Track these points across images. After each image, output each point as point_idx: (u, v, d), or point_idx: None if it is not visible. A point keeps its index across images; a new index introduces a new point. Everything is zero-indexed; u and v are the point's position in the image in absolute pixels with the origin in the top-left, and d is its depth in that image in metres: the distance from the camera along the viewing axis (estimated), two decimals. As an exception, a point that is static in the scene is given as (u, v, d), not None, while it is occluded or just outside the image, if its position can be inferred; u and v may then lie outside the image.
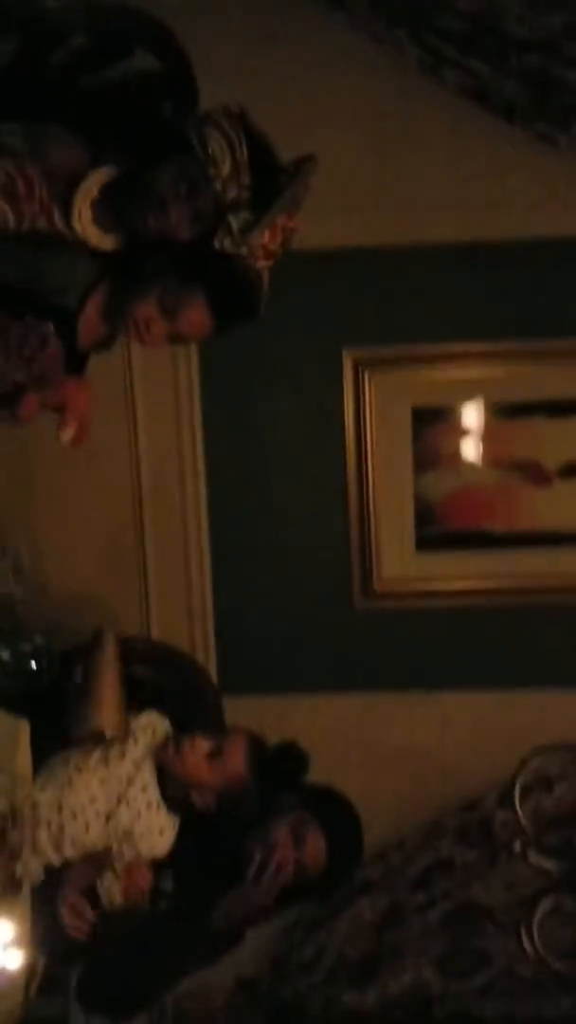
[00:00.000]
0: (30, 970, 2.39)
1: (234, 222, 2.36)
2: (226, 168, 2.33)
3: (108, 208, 2.37)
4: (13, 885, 2.21)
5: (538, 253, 3.75)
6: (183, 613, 3.96)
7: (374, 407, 3.85)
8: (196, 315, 2.45)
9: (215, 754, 2.61)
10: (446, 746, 3.95)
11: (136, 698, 2.88)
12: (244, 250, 2.38)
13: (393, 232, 3.75)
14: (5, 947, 2.11)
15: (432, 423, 3.87)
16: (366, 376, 3.83)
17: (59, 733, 2.69)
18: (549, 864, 1.80)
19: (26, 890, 2.30)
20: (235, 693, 3.45)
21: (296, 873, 2.52)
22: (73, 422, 2.57)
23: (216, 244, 2.37)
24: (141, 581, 3.96)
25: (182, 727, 2.78)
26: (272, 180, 2.39)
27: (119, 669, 2.84)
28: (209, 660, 3.89)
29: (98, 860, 2.52)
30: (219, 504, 3.95)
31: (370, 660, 4.01)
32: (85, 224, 2.35)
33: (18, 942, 2.13)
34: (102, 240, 2.39)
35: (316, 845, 2.52)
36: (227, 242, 2.37)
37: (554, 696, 3.88)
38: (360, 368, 3.83)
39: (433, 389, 3.86)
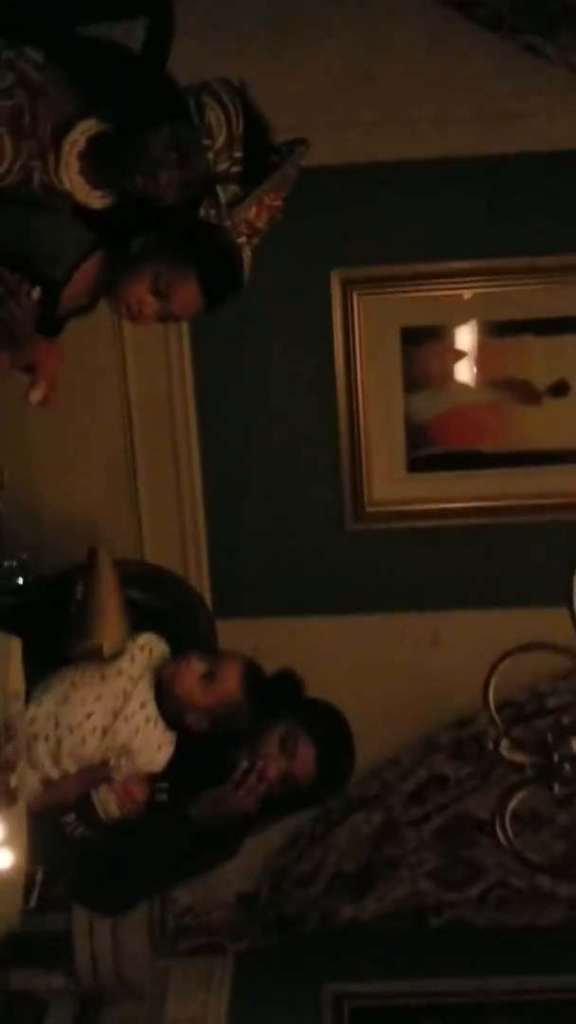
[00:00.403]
0: (29, 880, 2.46)
1: (222, 194, 2.36)
2: (220, 140, 2.31)
3: (97, 163, 2.33)
4: (8, 795, 2.26)
5: (527, 168, 3.71)
6: (176, 537, 3.98)
7: (363, 328, 3.83)
8: (188, 296, 2.47)
9: (209, 676, 2.64)
10: (438, 665, 3.98)
11: (131, 620, 2.90)
12: (228, 223, 2.38)
13: (380, 149, 3.70)
14: (-2, 846, 2.17)
15: (421, 343, 3.86)
16: (354, 297, 3.80)
17: (54, 652, 2.72)
18: (522, 758, 1.84)
19: (22, 802, 2.36)
20: (228, 616, 3.49)
21: (286, 783, 2.57)
22: (43, 383, 2.58)
23: (202, 213, 2.37)
24: (134, 507, 3.98)
25: (176, 649, 2.82)
26: (264, 157, 2.38)
27: (119, 584, 2.86)
28: (202, 584, 3.92)
29: (95, 772, 2.58)
30: (210, 428, 3.95)
31: (362, 581, 4.04)
32: (72, 175, 2.32)
33: (8, 843, 2.19)
34: (89, 196, 2.36)
35: (306, 756, 2.56)
36: (213, 213, 2.37)
37: (545, 614, 3.88)
38: (348, 289, 3.80)
39: (422, 309, 3.84)
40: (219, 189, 2.36)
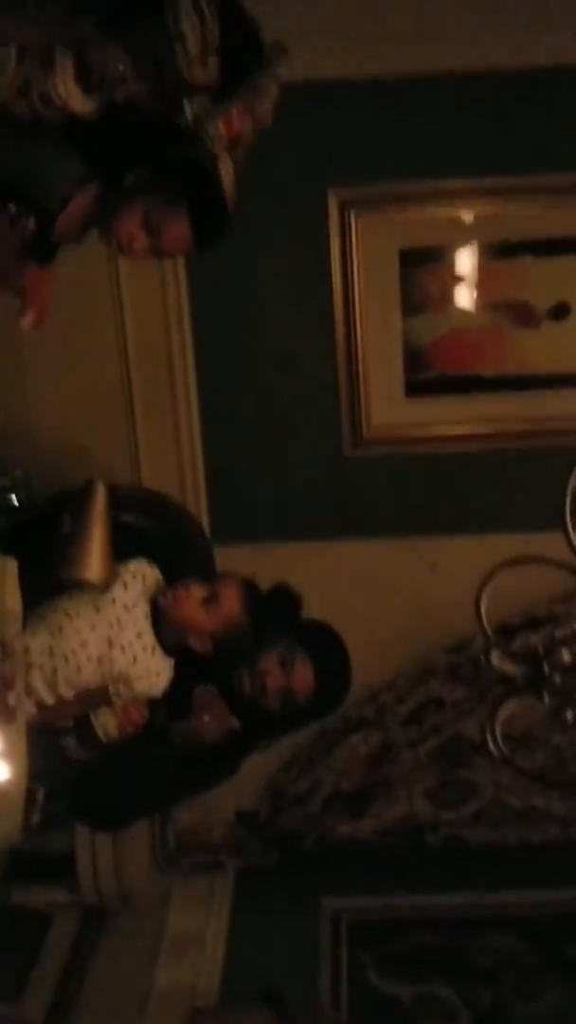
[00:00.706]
0: (30, 798, 2.50)
1: (189, 108, 2.30)
2: (194, 48, 2.23)
3: (85, 67, 2.27)
4: (7, 712, 2.29)
5: (527, 85, 3.63)
6: (173, 463, 3.97)
7: (361, 249, 3.78)
8: (178, 233, 2.45)
9: (210, 599, 2.66)
10: (437, 590, 4.00)
11: (125, 545, 2.90)
12: (204, 135, 2.32)
13: (379, 64, 3.62)
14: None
15: (420, 265, 3.81)
16: (352, 217, 3.75)
17: (49, 575, 2.73)
18: (512, 668, 1.86)
19: (21, 720, 2.38)
20: (227, 542, 3.48)
21: (286, 701, 2.60)
22: (33, 309, 2.58)
23: (179, 124, 2.32)
24: (130, 432, 3.96)
25: (172, 574, 2.82)
26: (243, 67, 2.30)
27: (107, 521, 2.86)
28: (200, 510, 3.92)
29: (94, 696, 2.60)
30: (206, 353, 3.92)
31: (361, 507, 4.04)
32: (67, 81, 2.26)
33: (7, 757, 2.22)
34: (83, 104, 2.31)
35: (304, 672, 2.59)
36: (185, 125, 2.31)
37: (542, 539, 3.89)
38: (346, 209, 3.75)
39: (420, 229, 3.79)
40: (185, 103, 2.29)
